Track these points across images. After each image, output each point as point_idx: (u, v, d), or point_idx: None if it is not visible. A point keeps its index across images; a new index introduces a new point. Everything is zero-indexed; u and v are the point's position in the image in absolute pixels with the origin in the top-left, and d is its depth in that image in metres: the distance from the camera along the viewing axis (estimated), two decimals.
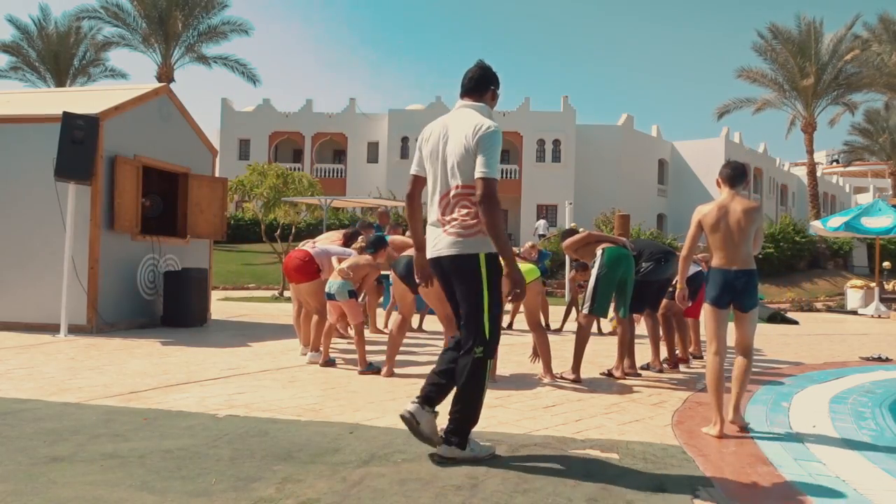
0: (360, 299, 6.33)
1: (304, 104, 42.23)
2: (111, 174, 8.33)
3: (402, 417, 3.35)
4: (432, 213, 3.41)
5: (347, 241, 7.22)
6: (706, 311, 4.26)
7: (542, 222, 34.48)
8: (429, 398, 3.39)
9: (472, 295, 3.28)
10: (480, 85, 3.43)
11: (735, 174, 4.27)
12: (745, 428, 4.16)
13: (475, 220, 3.24)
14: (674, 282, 6.58)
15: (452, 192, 3.31)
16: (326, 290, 6.05)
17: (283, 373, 5.81)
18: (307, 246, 6.93)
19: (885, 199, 25.72)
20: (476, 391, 3.29)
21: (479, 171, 3.19)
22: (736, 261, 4.12)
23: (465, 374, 3.27)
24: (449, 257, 3.30)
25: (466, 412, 3.31)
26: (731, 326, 4.27)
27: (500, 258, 3.29)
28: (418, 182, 3.53)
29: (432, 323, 10.07)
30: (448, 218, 3.31)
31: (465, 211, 3.27)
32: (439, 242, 3.33)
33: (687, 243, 4.38)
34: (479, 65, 3.48)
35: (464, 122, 3.31)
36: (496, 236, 3.23)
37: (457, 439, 3.29)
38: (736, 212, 4.13)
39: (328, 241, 7.31)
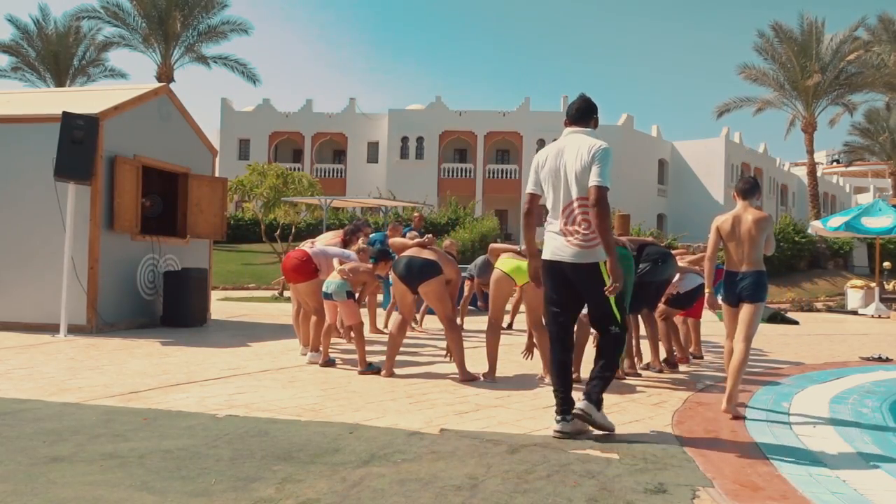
0: (361, 302, 6.33)
1: (304, 104, 42.21)
2: (111, 174, 8.33)
3: (577, 415, 3.86)
4: (554, 222, 3.97)
5: (346, 238, 7.22)
6: (723, 308, 4.84)
7: None
8: (566, 410, 3.92)
9: (598, 295, 3.85)
10: (585, 114, 4.05)
11: (747, 188, 4.86)
12: (740, 416, 4.51)
13: (595, 234, 3.81)
14: (673, 281, 6.62)
15: (574, 204, 3.86)
16: (324, 289, 6.04)
17: (283, 373, 5.81)
18: (305, 246, 6.94)
19: (886, 199, 25.70)
20: (613, 362, 3.98)
21: (593, 180, 3.76)
22: (745, 263, 4.69)
23: (607, 349, 3.96)
24: (573, 265, 3.87)
25: (605, 378, 3.93)
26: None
27: (606, 252, 3.81)
28: (535, 200, 4.09)
29: (432, 322, 10.07)
30: (571, 229, 3.87)
31: (584, 225, 3.84)
32: (563, 250, 3.90)
33: (709, 248, 4.94)
34: (582, 98, 4.11)
35: (579, 144, 3.90)
36: (603, 235, 3.80)
37: (595, 398, 3.87)
38: (747, 221, 4.70)
39: (328, 241, 7.32)
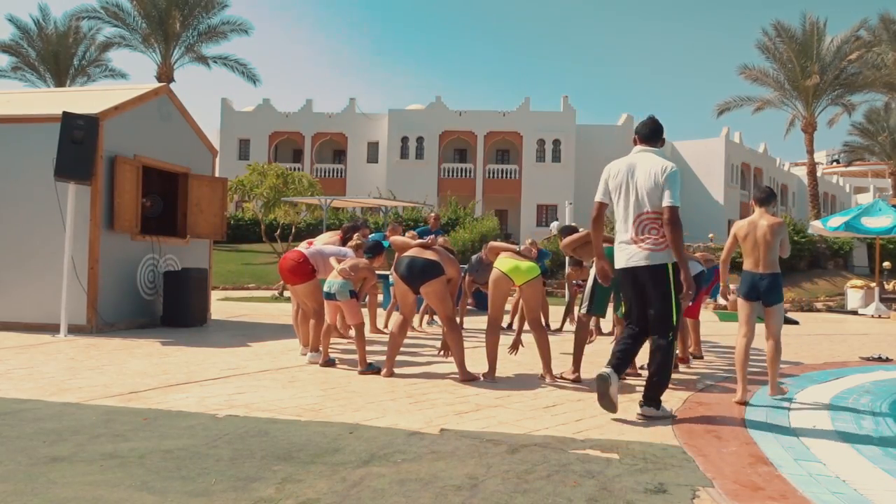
0: (361, 300, 6.32)
1: (304, 104, 42.22)
2: (111, 174, 8.33)
3: (599, 376, 4.25)
4: (623, 232, 4.41)
5: (345, 235, 7.20)
6: (738, 303, 5.22)
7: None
8: (618, 367, 4.33)
9: (663, 294, 4.29)
10: (654, 135, 4.52)
11: (764, 196, 5.31)
12: (786, 398, 5.17)
13: (663, 239, 4.28)
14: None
15: (643, 217, 4.31)
16: (326, 289, 6.04)
17: (283, 373, 5.81)
18: (301, 247, 6.91)
19: (885, 199, 25.69)
20: (668, 365, 4.34)
21: (667, 201, 4.24)
22: (760, 265, 5.10)
23: (659, 354, 4.32)
24: (645, 268, 4.30)
25: (661, 382, 4.35)
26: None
27: (679, 264, 4.26)
28: (603, 208, 4.54)
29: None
30: (643, 237, 4.32)
31: (655, 233, 4.30)
32: (634, 256, 4.34)
33: (725, 251, 5.44)
34: (652, 119, 4.60)
35: (649, 163, 4.36)
36: (677, 249, 4.26)
37: (654, 402, 4.36)
38: (763, 227, 5.13)
39: (327, 241, 7.30)
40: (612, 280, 5.79)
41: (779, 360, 5.20)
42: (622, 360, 4.39)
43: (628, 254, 4.38)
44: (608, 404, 4.27)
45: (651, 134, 4.52)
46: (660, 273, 4.29)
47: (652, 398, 4.39)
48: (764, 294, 5.08)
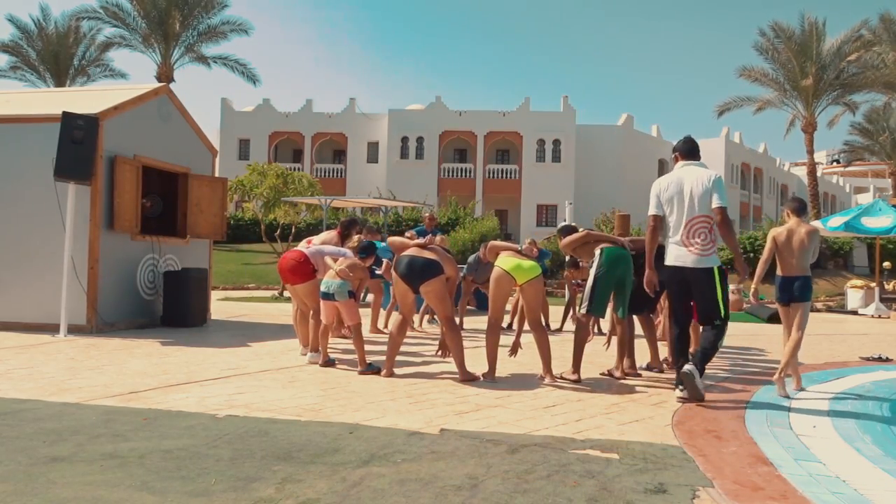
0: (359, 300, 6.30)
1: (304, 104, 42.22)
2: (111, 174, 8.32)
3: (684, 373, 4.80)
4: (675, 234, 4.98)
5: (344, 232, 7.17)
6: (779, 309, 5.73)
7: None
8: (688, 357, 5.03)
9: (710, 292, 4.90)
10: (693, 151, 5.17)
11: (800, 207, 5.82)
12: (788, 395, 5.35)
13: (711, 244, 4.90)
14: None
15: (694, 221, 4.90)
16: (324, 290, 6.01)
17: (283, 373, 5.81)
18: (301, 246, 6.88)
19: (886, 199, 25.67)
20: (715, 346, 4.95)
21: (717, 203, 4.86)
22: (794, 269, 5.54)
23: (710, 337, 4.94)
24: (694, 269, 4.90)
25: (707, 356, 4.95)
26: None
27: (735, 259, 5.02)
28: (658, 220, 5.09)
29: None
30: (692, 241, 4.91)
31: (703, 238, 4.89)
32: (685, 258, 4.93)
33: (764, 254, 5.77)
34: (689, 138, 5.24)
35: (697, 174, 5.00)
36: (733, 246, 4.99)
37: (700, 368, 4.86)
38: (800, 234, 5.58)
39: (325, 239, 7.28)
40: (612, 280, 5.81)
41: (797, 350, 5.52)
42: (684, 352, 5.08)
43: (678, 254, 4.96)
44: (697, 394, 4.82)
45: (691, 151, 5.15)
46: (707, 275, 4.87)
47: (699, 363, 4.86)
48: (796, 292, 5.53)
